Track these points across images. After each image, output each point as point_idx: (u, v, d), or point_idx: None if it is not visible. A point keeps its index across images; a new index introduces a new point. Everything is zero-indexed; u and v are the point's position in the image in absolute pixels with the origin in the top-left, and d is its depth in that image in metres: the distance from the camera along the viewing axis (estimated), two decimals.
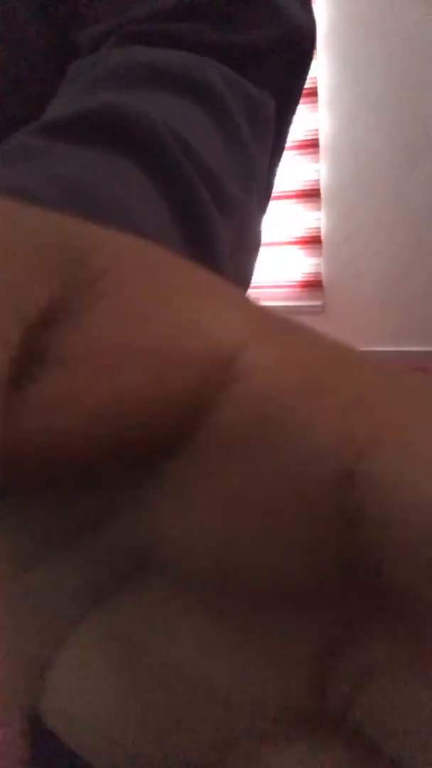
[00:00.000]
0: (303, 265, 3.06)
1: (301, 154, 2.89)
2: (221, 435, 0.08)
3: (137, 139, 0.24)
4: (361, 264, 2.98)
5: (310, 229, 2.99)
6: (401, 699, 0.07)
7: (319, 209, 2.95)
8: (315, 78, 2.75)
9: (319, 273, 3.05)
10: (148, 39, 0.28)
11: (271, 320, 0.09)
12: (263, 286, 3.12)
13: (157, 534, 0.09)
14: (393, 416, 0.07)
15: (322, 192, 2.92)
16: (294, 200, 2.96)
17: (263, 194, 0.32)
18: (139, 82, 0.26)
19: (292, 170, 2.92)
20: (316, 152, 2.87)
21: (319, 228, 2.98)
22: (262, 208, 0.31)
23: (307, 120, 2.83)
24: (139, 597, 0.09)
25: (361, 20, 2.63)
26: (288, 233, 3.01)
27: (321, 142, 2.85)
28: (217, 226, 0.25)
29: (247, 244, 0.30)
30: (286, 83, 0.33)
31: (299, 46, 0.32)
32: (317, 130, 2.83)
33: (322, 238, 2.98)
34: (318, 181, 2.91)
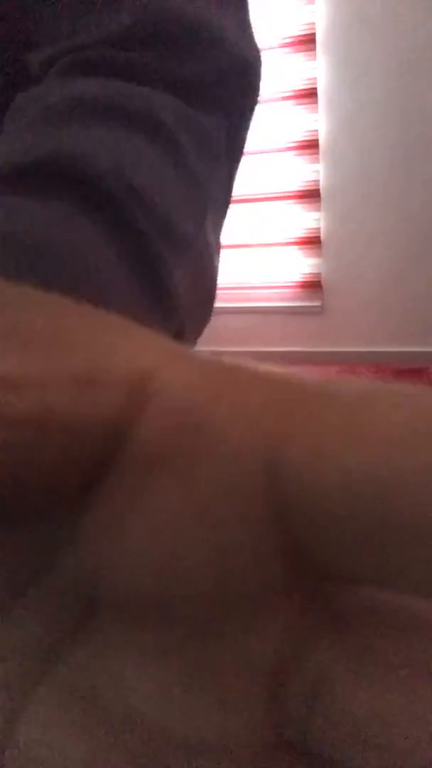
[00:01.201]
0: (302, 265, 3.06)
1: (300, 155, 2.89)
2: (143, 452, 0.09)
3: (86, 188, 0.24)
4: (360, 264, 2.98)
5: (309, 229, 2.99)
6: (354, 711, 0.07)
7: (318, 210, 2.95)
8: (314, 79, 2.76)
9: (319, 273, 3.05)
10: (94, 67, 0.28)
11: (181, 350, 0.09)
12: (262, 286, 3.12)
13: (99, 568, 0.09)
14: (299, 415, 0.08)
15: (322, 192, 2.92)
16: (293, 201, 2.96)
17: (219, 218, 0.32)
18: (87, 118, 0.26)
19: (292, 171, 2.92)
20: (316, 153, 2.87)
21: (318, 228, 2.98)
22: (217, 232, 0.32)
23: (306, 121, 2.83)
24: (93, 648, 0.09)
25: (361, 21, 2.63)
26: (287, 234, 3.01)
27: (320, 143, 2.85)
28: (167, 265, 0.26)
29: (204, 274, 0.30)
30: (235, 108, 0.33)
31: (244, 77, 0.32)
32: (316, 130, 2.83)
33: (322, 238, 2.99)
34: (317, 181, 2.91)
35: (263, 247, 3.06)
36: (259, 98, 0.34)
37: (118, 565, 0.09)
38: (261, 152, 2.91)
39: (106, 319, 0.10)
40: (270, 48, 2.75)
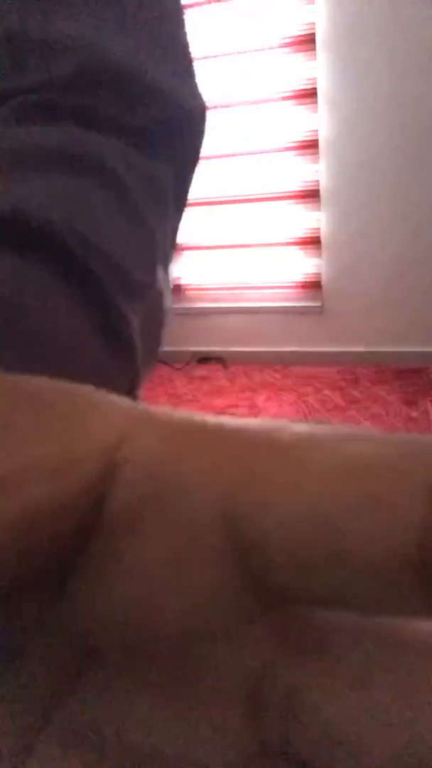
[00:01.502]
0: (302, 265, 3.06)
1: (300, 155, 2.89)
2: (119, 516, 0.10)
3: (38, 243, 0.25)
4: (360, 265, 2.98)
5: (309, 229, 2.99)
6: (323, 713, 0.09)
7: (318, 210, 2.95)
8: (314, 79, 2.76)
9: (319, 274, 3.05)
10: (41, 111, 0.29)
11: (144, 415, 0.11)
12: (262, 286, 3.12)
13: (91, 621, 0.10)
14: (248, 469, 0.09)
15: (322, 193, 2.92)
16: (293, 201, 2.96)
17: (168, 265, 0.34)
18: (35, 166, 0.27)
19: (292, 171, 2.92)
20: (316, 153, 2.87)
21: (318, 229, 2.98)
22: (167, 279, 0.33)
23: (306, 121, 2.83)
24: (93, 690, 0.10)
25: (360, 21, 2.63)
26: (287, 234, 3.01)
27: (320, 143, 2.85)
28: (125, 313, 0.27)
29: (157, 318, 0.32)
30: (179, 156, 0.33)
31: (186, 127, 0.33)
32: (316, 130, 2.83)
33: (322, 238, 2.99)
34: (317, 181, 2.91)
35: (263, 247, 3.06)
36: (202, 148, 0.35)
37: (106, 617, 0.10)
38: (261, 152, 2.91)
39: (70, 394, 0.11)
40: (270, 48, 2.75)
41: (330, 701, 0.09)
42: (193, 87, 0.33)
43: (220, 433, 0.10)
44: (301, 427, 0.09)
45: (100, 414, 0.10)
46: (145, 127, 0.31)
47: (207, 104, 0.34)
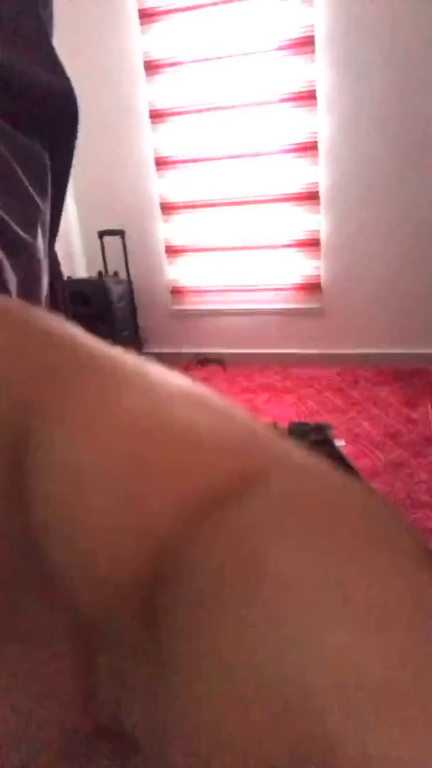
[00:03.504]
0: (302, 267, 3.06)
1: (300, 157, 2.90)
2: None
3: None
4: (360, 266, 2.98)
5: (309, 231, 2.99)
6: (149, 696, 0.09)
7: (318, 212, 2.95)
8: (314, 81, 2.76)
9: (318, 275, 3.05)
10: None
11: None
12: (263, 288, 3.12)
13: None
14: (59, 370, 0.09)
15: (322, 195, 2.92)
16: (293, 203, 2.96)
17: (49, 236, 0.35)
18: None
19: (292, 173, 2.92)
20: (316, 155, 2.87)
21: (318, 231, 2.98)
22: (49, 248, 0.34)
23: (306, 123, 2.83)
24: None
25: (360, 24, 2.64)
26: (287, 236, 3.02)
27: (320, 145, 2.85)
28: (3, 264, 0.28)
29: (33, 273, 0.33)
30: (55, 137, 0.35)
31: (61, 108, 0.35)
32: (316, 132, 2.84)
33: (321, 240, 2.99)
34: (317, 183, 2.91)
35: (263, 249, 3.06)
36: (75, 124, 0.36)
37: None
38: (261, 154, 2.91)
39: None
40: (269, 50, 2.75)
41: (158, 687, 0.09)
42: (60, 70, 0.35)
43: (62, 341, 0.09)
44: (151, 368, 0.09)
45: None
46: (19, 109, 0.32)
47: (72, 88, 0.35)
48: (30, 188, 0.31)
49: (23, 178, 0.31)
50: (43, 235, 0.33)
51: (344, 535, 0.09)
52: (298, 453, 0.10)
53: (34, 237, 0.31)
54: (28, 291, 0.31)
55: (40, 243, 0.32)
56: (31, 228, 0.31)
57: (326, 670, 0.07)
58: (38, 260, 0.32)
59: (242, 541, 0.08)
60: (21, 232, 0.30)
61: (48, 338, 0.09)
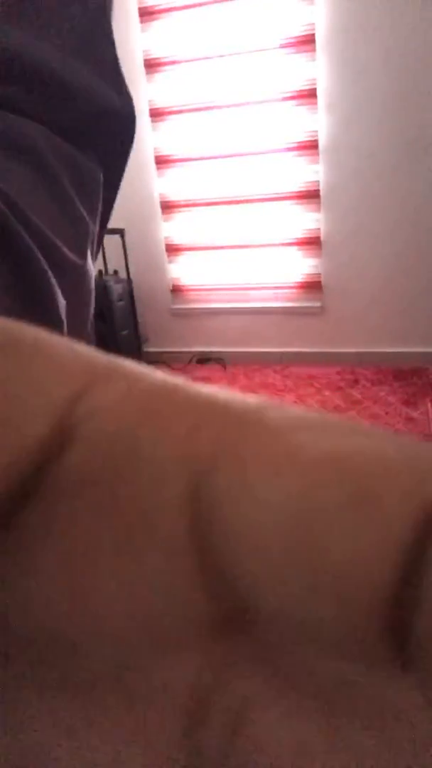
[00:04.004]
0: (302, 266, 3.06)
1: (300, 156, 2.89)
2: (68, 480, 0.08)
3: None
4: (360, 265, 2.98)
5: (309, 230, 2.99)
6: (274, 739, 0.07)
7: (318, 210, 2.95)
8: (314, 79, 2.76)
9: (319, 274, 3.05)
10: None
11: (110, 366, 0.09)
12: (262, 287, 3.12)
13: (7, 609, 0.08)
14: (225, 441, 0.08)
15: (322, 193, 2.92)
16: (293, 201, 2.96)
17: (94, 252, 0.34)
18: None
19: (292, 171, 2.92)
20: (316, 153, 2.87)
21: (318, 229, 2.98)
22: (93, 264, 0.34)
23: (306, 121, 2.83)
24: (8, 698, 0.08)
25: (360, 22, 2.63)
26: (287, 234, 3.01)
27: (320, 144, 2.85)
28: (53, 288, 0.27)
29: (82, 298, 0.31)
30: (109, 154, 0.34)
31: (114, 127, 0.34)
32: (316, 131, 2.83)
33: (322, 239, 2.99)
34: (317, 182, 2.91)
35: (263, 248, 3.06)
36: (131, 143, 0.36)
37: (26, 603, 0.08)
38: (261, 153, 2.91)
39: (13, 337, 0.09)
40: (270, 48, 2.75)
41: (285, 728, 0.07)
42: (118, 84, 0.34)
43: (197, 398, 0.08)
44: (293, 410, 0.08)
45: (54, 362, 0.09)
46: (69, 122, 0.31)
47: (134, 107, 0.35)
48: (81, 206, 0.31)
49: (74, 195, 0.30)
50: (92, 256, 0.32)
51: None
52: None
53: (84, 258, 0.30)
54: (77, 316, 0.30)
55: (90, 265, 0.31)
56: (80, 249, 0.30)
57: None
58: (88, 284, 0.31)
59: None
60: (69, 254, 0.29)
61: (192, 403, 0.08)
